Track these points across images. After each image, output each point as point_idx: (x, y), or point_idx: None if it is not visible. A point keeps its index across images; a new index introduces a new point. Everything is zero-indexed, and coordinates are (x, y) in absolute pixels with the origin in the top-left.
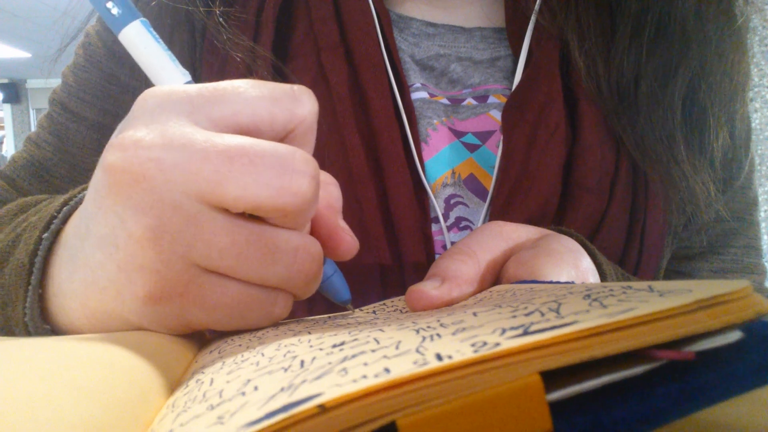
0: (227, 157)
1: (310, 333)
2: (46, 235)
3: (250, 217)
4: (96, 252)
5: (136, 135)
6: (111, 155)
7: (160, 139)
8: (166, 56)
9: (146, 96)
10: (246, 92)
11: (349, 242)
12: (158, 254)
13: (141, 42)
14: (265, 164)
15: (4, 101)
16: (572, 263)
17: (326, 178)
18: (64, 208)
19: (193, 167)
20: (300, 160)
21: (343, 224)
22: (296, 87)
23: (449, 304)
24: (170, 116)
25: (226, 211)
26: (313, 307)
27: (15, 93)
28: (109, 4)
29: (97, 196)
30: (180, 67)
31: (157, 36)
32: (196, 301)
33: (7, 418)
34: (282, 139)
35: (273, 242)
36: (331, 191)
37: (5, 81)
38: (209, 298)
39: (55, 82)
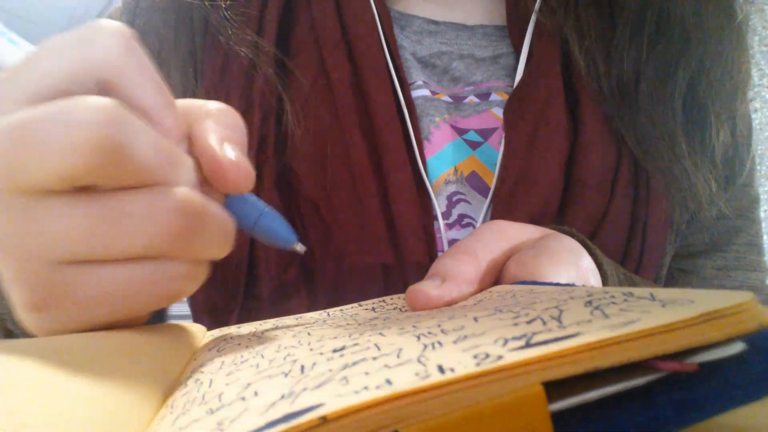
0: (13, 138)
1: (309, 334)
2: None
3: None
4: None
5: None
6: None
7: None
8: None
9: None
10: (40, 59)
11: (234, 172)
12: (16, 262)
13: None
14: (47, 130)
15: None
16: (573, 263)
17: (220, 113)
18: None
19: None
20: (81, 109)
21: (228, 153)
22: (92, 25)
23: (449, 303)
24: None
25: (55, 194)
26: (311, 305)
27: None
28: None
29: None
30: None
31: None
32: (76, 299)
33: (5, 420)
34: (106, 93)
35: (117, 209)
36: (213, 127)
37: None
38: (88, 292)
39: None
